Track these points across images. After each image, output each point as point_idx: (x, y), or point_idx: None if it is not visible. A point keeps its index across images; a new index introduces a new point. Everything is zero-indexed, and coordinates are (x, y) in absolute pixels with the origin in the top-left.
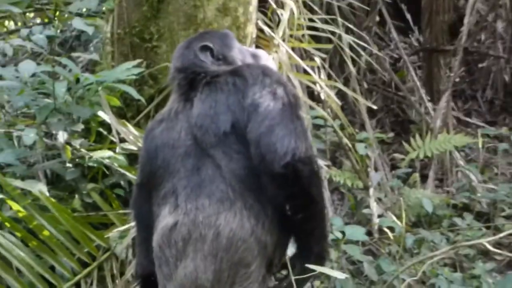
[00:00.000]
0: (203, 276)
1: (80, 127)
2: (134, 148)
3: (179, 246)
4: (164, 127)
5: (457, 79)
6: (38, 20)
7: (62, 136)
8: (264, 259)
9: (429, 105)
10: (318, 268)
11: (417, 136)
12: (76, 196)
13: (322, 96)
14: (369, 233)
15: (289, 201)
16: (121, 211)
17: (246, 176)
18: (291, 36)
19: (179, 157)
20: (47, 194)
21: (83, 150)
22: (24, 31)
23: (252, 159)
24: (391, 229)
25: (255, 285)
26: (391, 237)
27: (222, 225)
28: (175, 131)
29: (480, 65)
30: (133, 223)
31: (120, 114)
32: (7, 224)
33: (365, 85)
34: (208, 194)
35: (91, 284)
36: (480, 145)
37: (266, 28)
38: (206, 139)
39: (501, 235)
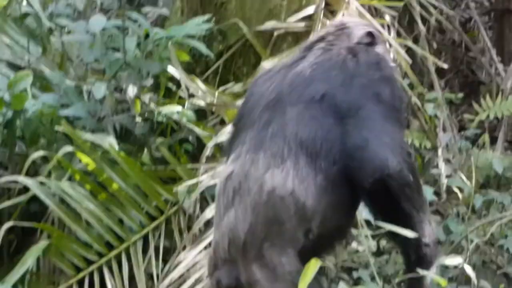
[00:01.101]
0: (240, 227)
1: (149, 82)
2: (202, 103)
3: (229, 196)
4: (266, 77)
5: None
6: None
7: (131, 91)
8: (302, 221)
9: (500, 66)
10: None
11: (487, 97)
12: (145, 150)
13: (391, 55)
14: (437, 194)
15: (381, 214)
16: (189, 166)
17: (308, 141)
18: None
19: (260, 109)
20: (117, 147)
21: (152, 104)
22: None
23: (320, 128)
24: (460, 189)
25: (288, 245)
26: (460, 198)
27: (267, 180)
28: (270, 82)
29: None
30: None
31: (189, 69)
32: (76, 176)
33: (435, 45)
34: (265, 149)
35: (159, 237)
36: None
37: None
38: (289, 97)
39: None
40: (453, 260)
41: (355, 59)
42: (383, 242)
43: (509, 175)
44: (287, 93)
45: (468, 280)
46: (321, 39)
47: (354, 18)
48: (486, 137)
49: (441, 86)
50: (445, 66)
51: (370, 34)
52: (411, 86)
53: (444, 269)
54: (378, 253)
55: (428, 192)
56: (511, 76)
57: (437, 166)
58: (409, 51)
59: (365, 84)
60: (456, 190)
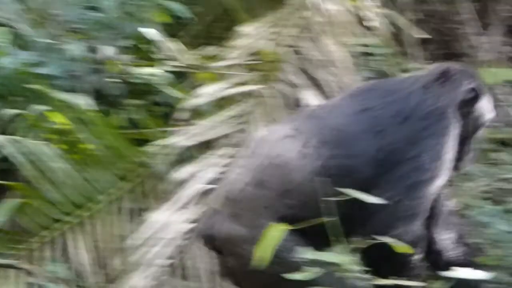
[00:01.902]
0: (237, 184)
1: (128, 43)
2: (179, 65)
3: (246, 156)
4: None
5: (511, 14)
6: None
7: (109, 51)
8: (285, 195)
9: (480, 38)
10: None
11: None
12: (120, 111)
13: (373, 24)
14: None
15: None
16: (163, 128)
17: (333, 136)
18: None
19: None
20: (92, 107)
21: (129, 66)
22: None
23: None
24: None
25: (266, 211)
26: None
27: (274, 147)
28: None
29: None
30: None
31: (169, 31)
32: (50, 135)
33: (418, 16)
34: (296, 125)
35: (132, 199)
36: None
37: None
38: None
39: None
40: None
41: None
42: None
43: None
44: (356, 93)
45: None
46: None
47: (455, 65)
48: None
49: (424, 57)
50: (429, 36)
51: (475, 90)
52: (392, 56)
53: None
54: None
55: None
56: (491, 49)
57: None
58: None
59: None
60: None
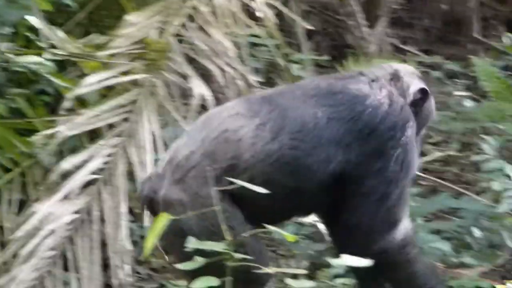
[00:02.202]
0: (182, 151)
1: (8, 30)
2: (62, 54)
3: (194, 127)
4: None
5: (396, 6)
6: None
7: None
8: (231, 170)
9: (366, 30)
10: None
11: (351, 60)
12: (1, 100)
13: (259, 15)
14: None
15: None
16: (46, 118)
17: (291, 122)
18: None
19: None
20: None
21: (9, 54)
22: None
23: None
24: None
25: (212, 182)
26: None
27: (226, 121)
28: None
29: None
30: None
31: (50, 19)
32: None
33: (303, 7)
34: (250, 104)
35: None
36: None
37: None
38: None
39: (426, 159)
40: (310, 218)
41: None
42: None
43: None
44: (318, 94)
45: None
46: (371, 75)
47: (404, 66)
48: None
49: (309, 48)
50: (312, 27)
51: (423, 90)
52: (278, 47)
53: (300, 226)
54: None
55: None
56: (375, 40)
57: None
58: (278, 12)
59: (388, 146)
60: None
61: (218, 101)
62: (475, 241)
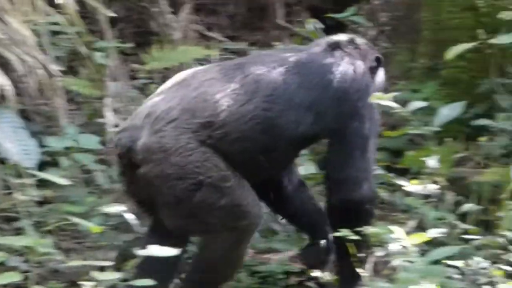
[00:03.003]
0: (161, 105)
1: None
2: None
3: (169, 84)
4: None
5: None
6: None
7: None
8: (208, 126)
9: (171, 16)
10: None
11: (156, 47)
12: None
13: (59, 2)
14: (104, 143)
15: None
16: None
17: (264, 86)
18: None
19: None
20: None
21: None
22: None
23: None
24: None
25: (189, 135)
26: None
27: (205, 84)
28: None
29: None
30: None
31: None
32: None
33: None
34: (224, 70)
35: None
36: (218, 59)
37: None
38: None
39: None
40: (116, 209)
41: (363, 81)
42: (48, 192)
43: None
44: (288, 63)
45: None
46: (332, 43)
47: (359, 38)
48: (154, 87)
49: (114, 36)
50: (114, 15)
51: (379, 59)
52: (80, 34)
53: (107, 217)
54: (41, 203)
55: (94, 141)
56: (180, 27)
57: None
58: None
59: (359, 107)
60: None
61: (18, 90)
62: (282, 227)
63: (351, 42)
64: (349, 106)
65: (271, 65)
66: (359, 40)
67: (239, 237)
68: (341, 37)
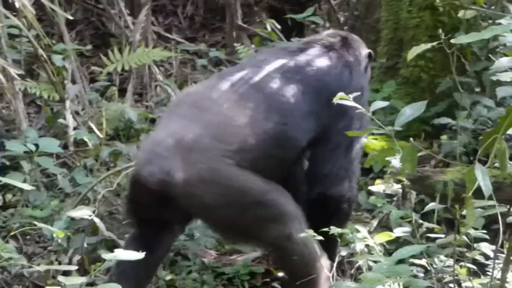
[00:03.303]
0: (190, 134)
1: None
2: None
3: (184, 107)
4: (270, 50)
5: None
6: None
7: None
8: (240, 150)
9: (129, 18)
10: None
11: (115, 49)
12: None
13: (17, 5)
14: (65, 146)
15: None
16: None
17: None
18: None
19: (250, 65)
20: None
21: None
22: None
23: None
24: (88, 141)
25: (227, 161)
26: (88, 150)
27: (224, 107)
28: (271, 54)
29: None
30: None
31: None
32: None
33: None
34: (235, 87)
35: None
36: (177, 60)
37: None
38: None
39: None
40: (81, 212)
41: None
42: (9, 196)
43: (138, 127)
44: (286, 68)
45: (96, 230)
46: (326, 44)
47: (351, 34)
48: (114, 89)
49: (72, 38)
50: (71, 17)
51: (370, 54)
52: (38, 37)
53: (72, 221)
54: (4, 207)
55: (54, 144)
56: (139, 29)
57: (65, 118)
58: (37, 1)
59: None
60: (86, 141)
61: None
62: None
63: (345, 41)
64: (339, 106)
65: (276, 76)
66: (350, 37)
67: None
68: (333, 34)
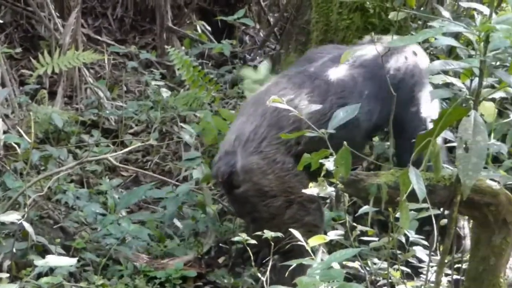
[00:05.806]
0: (247, 127)
1: None
2: None
3: (248, 105)
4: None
5: None
6: None
7: None
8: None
9: (59, 21)
10: None
11: (45, 52)
12: None
13: None
14: None
15: None
16: None
17: (335, 87)
18: None
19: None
20: None
21: None
22: None
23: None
24: (17, 145)
25: (282, 147)
26: (18, 154)
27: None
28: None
29: None
30: None
31: None
32: None
33: None
34: (292, 78)
35: None
36: (108, 63)
37: None
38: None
39: (126, 150)
40: (11, 217)
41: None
42: None
43: (68, 130)
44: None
45: (26, 235)
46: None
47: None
48: (44, 92)
49: (1, 41)
50: (1, 21)
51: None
52: None
53: (1, 225)
54: None
55: None
56: (68, 31)
57: None
58: None
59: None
60: (14, 145)
61: None
62: (177, 230)
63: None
64: (406, 91)
65: (332, 65)
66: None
67: None
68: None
